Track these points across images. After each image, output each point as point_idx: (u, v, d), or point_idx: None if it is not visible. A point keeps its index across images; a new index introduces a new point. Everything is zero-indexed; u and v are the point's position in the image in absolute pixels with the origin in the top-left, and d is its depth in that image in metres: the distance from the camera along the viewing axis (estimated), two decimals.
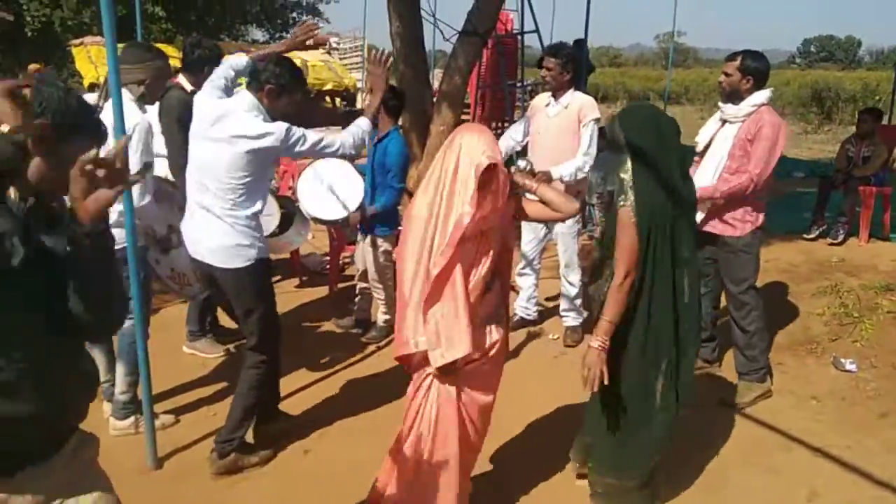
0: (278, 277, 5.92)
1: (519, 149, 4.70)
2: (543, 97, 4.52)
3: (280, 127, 2.97)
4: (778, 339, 4.57)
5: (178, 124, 3.75)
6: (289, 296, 5.48)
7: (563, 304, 4.68)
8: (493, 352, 2.55)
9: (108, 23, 2.67)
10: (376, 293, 4.69)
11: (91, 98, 3.19)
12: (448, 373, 2.41)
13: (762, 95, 3.68)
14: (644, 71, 38.04)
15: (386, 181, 4.41)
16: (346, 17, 18.86)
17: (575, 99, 4.33)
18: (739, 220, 3.69)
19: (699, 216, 3.62)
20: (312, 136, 3.08)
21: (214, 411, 3.72)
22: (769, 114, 3.67)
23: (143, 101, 3.25)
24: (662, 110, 2.91)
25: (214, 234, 3.01)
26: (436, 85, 7.61)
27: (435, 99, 6.45)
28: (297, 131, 3.01)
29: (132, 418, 3.41)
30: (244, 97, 3.03)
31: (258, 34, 19.73)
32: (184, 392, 3.89)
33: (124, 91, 3.00)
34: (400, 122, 4.66)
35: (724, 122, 3.85)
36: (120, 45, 2.98)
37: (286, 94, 3.06)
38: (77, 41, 12.91)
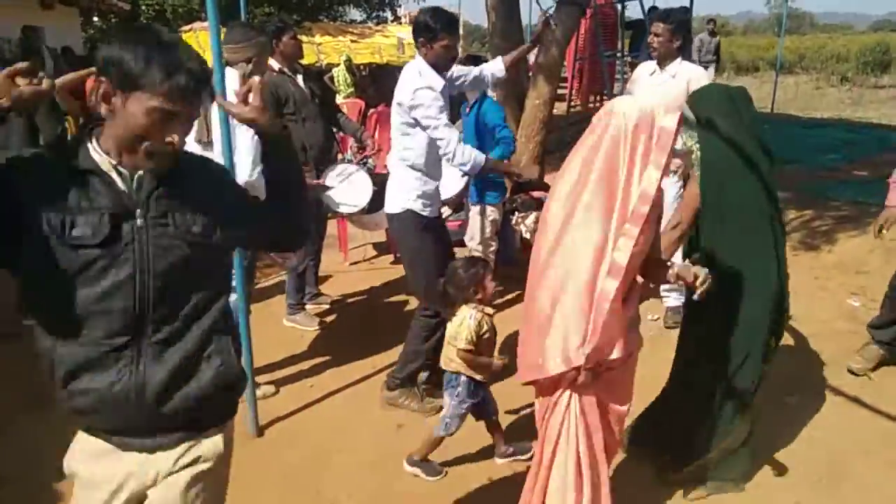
0: (374, 254, 6.02)
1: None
2: (648, 65, 4.30)
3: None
4: None
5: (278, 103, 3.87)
6: (383, 271, 5.56)
7: (665, 284, 4.48)
8: (630, 358, 2.28)
9: (212, 4, 2.75)
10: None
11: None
12: (594, 377, 2.11)
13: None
14: (753, 39, 35.74)
15: (493, 140, 4.42)
16: None
17: (683, 69, 4.08)
18: None
19: None
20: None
21: (312, 383, 3.82)
22: None
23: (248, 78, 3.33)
24: (730, 87, 2.83)
25: None
26: (531, 59, 7.44)
27: (530, 74, 6.31)
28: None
29: None
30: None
31: (356, 14, 20.02)
32: (284, 364, 4.02)
33: (232, 71, 3.12)
34: (493, 95, 4.63)
35: None
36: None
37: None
38: (187, 27, 13.49)
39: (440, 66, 3.23)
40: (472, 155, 3.19)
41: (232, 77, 3.19)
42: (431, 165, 3.30)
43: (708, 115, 2.63)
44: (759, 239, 2.63)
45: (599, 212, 2.00)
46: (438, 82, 3.18)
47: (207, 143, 3.32)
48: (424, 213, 3.32)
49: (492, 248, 4.64)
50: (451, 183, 4.44)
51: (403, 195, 3.30)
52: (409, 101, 3.13)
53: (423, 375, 3.63)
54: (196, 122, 3.16)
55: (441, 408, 3.36)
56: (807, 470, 2.96)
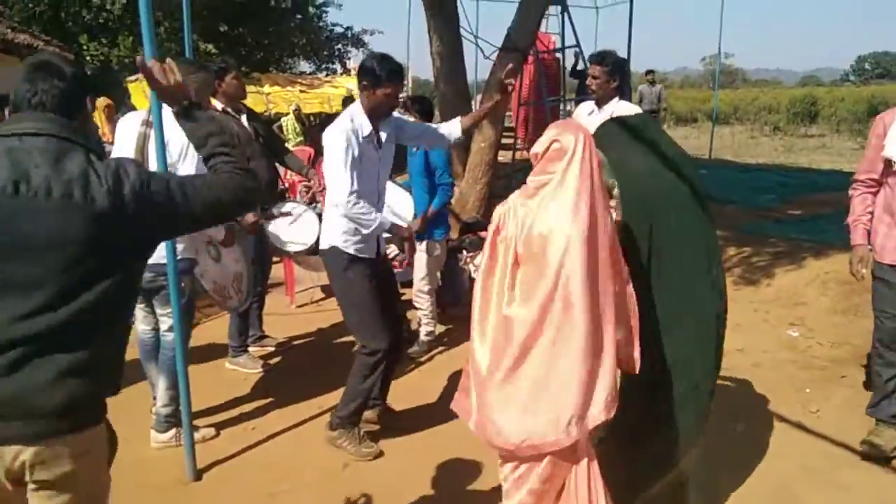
0: (322, 296, 5.94)
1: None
2: (586, 106, 4.43)
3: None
4: (841, 352, 4.34)
5: None
6: (330, 313, 5.48)
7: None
8: None
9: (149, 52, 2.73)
10: (420, 304, 4.65)
11: (142, 114, 3.26)
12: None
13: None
14: (690, 92, 37.38)
15: (435, 181, 4.48)
16: (390, 48, 19.16)
17: (620, 108, 4.21)
18: None
19: None
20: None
21: (254, 426, 3.69)
22: None
23: None
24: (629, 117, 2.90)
25: None
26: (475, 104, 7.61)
27: None
28: None
29: (173, 431, 3.39)
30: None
31: (305, 66, 20.19)
32: (225, 407, 3.87)
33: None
34: None
35: None
36: None
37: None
38: (133, 77, 13.38)
39: (378, 114, 3.18)
40: (367, 214, 3.11)
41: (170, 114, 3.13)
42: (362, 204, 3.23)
43: (616, 151, 2.58)
44: (695, 270, 2.59)
45: None
46: (366, 128, 3.15)
47: None
48: (349, 251, 3.24)
49: (434, 287, 4.66)
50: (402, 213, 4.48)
51: (330, 232, 3.29)
52: (325, 141, 3.12)
53: (371, 413, 3.55)
54: (133, 152, 3.14)
55: (380, 453, 3.36)
56: (755, 496, 2.96)
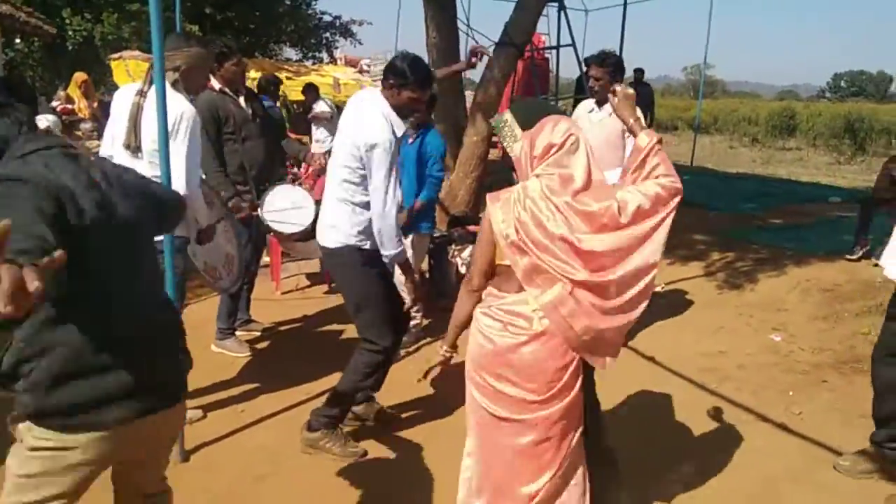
0: (307, 284, 5.89)
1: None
2: (586, 104, 4.47)
3: None
4: (822, 357, 4.41)
5: (206, 126, 3.75)
6: (316, 300, 5.44)
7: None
8: None
9: (156, 24, 2.70)
10: (406, 296, 4.61)
11: (134, 87, 3.20)
12: None
13: None
14: (672, 101, 37.76)
15: (425, 173, 4.43)
16: (378, 40, 19.10)
17: None
18: None
19: None
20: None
21: (242, 409, 3.66)
22: None
23: (176, 87, 3.16)
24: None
25: None
26: (469, 99, 7.61)
27: (468, 112, 6.43)
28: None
29: None
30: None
31: (291, 53, 20.02)
32: (212, 389, 3.83)
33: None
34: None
35: None
36: None
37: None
38: (116, 55, 13.14)
39: (401, 114, 3.08)
40: (399, 235, 3.08)
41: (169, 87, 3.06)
42: None
43: None
44: None
45: None
46: (400, 129, 3.06)
47: (137, 149, 3.12)
48: (365, 247, 3.12)
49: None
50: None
51: (341, 230, 3.11)
52: (369, 142, 2.93)
53: (362, 409, 3.51)
54: (125, 128, 3.07)
55: (365, 453, 3.24)
56: (740, 495, 3.01)
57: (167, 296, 1.95)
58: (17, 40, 15.38)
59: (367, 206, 3.07)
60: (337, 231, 3.13)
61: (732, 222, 8.01)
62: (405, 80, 2.99)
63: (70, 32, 15.02)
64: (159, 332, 1.87)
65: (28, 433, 1.68)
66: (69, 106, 10.95)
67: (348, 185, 3.06)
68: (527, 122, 2.24)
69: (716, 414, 3.67)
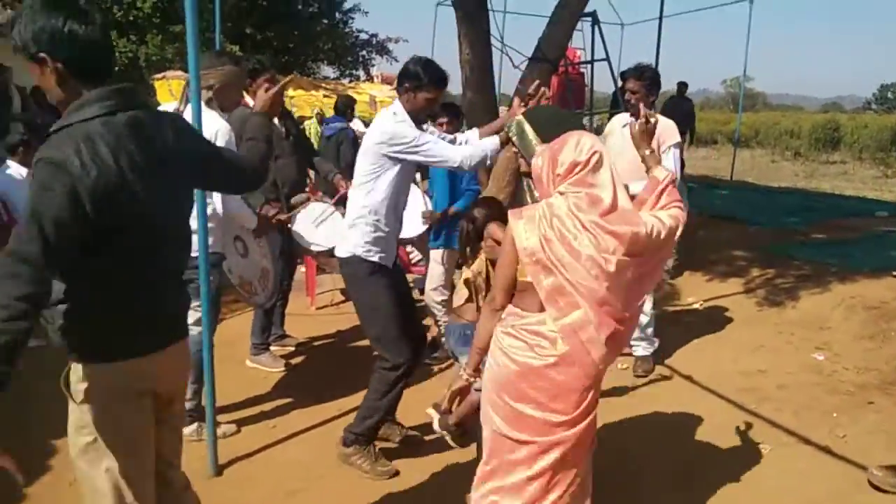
0: (342, 299, 5.93)
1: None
2: (621, 118, 4.43)
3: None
4: (868, 377, 4.25)
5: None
6: (350, 316, 5.46)
7: (634, 333, 4.49)
8: None
9: (192, 43, 2.77)
10: (437, 312, 4.62)
11: (171, 106, 3.28)
12: None
13: None
14: (711, 114, 37.25)
15: (459, 186, 4.49)
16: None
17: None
18: None
19: None
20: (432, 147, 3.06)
21: (274, 424, 3.69)
22: None
23: (211, 105, 3.24)
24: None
25: None
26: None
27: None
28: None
29: (195, 425, 3.40)
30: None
31: (329, 71, 20.34)
32: (246, 404, 3.88)
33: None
34: None
35: None
36: None
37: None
38: (160, 75, 13.53)
39: (417, 118, 3.14)
40: (474, 151, 3.06)
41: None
42: (390, 212, 3.16)
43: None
44: None
45: None
46: (413, 126, 3.11)
47: None
48: (372, 259, 3.14)
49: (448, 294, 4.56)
50: (410, 226, 4.41)
51: (351, 240, 3.15)
52: (385, 138, 3.03)
53: (389, 430, 3.49)
54: None
55: (396, 473, 3.23)
56: None
57: (190, 230, 2.06)
58: None
59: (381, 215, 3.12)
60: (346, 240, 3.19)
61: (773, 237, 7.81)
62: (419, 81, 3.07)
63: (116, 54, 15.50)
64: (175, 271, 2.01)
65: (77, 377, 1.78)
66: None
67: (366, 194, 3.12)
68: (543, 130, 2.25)
69: (755, 435, 3.57)
